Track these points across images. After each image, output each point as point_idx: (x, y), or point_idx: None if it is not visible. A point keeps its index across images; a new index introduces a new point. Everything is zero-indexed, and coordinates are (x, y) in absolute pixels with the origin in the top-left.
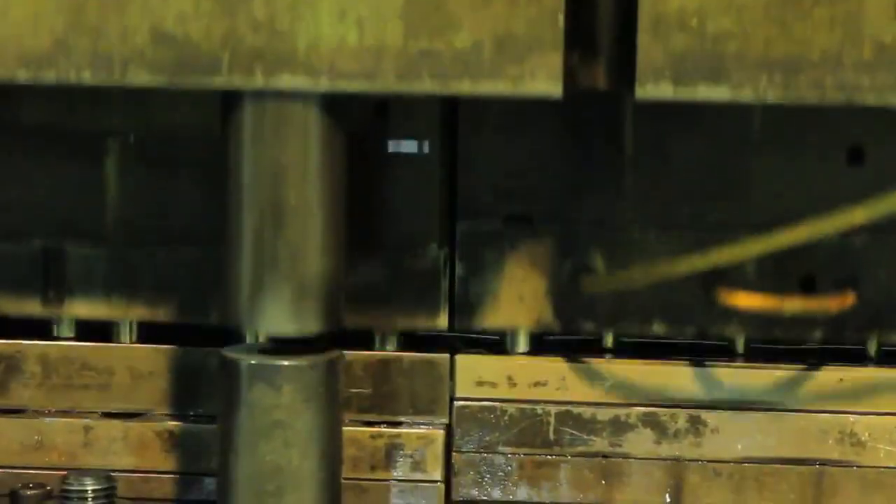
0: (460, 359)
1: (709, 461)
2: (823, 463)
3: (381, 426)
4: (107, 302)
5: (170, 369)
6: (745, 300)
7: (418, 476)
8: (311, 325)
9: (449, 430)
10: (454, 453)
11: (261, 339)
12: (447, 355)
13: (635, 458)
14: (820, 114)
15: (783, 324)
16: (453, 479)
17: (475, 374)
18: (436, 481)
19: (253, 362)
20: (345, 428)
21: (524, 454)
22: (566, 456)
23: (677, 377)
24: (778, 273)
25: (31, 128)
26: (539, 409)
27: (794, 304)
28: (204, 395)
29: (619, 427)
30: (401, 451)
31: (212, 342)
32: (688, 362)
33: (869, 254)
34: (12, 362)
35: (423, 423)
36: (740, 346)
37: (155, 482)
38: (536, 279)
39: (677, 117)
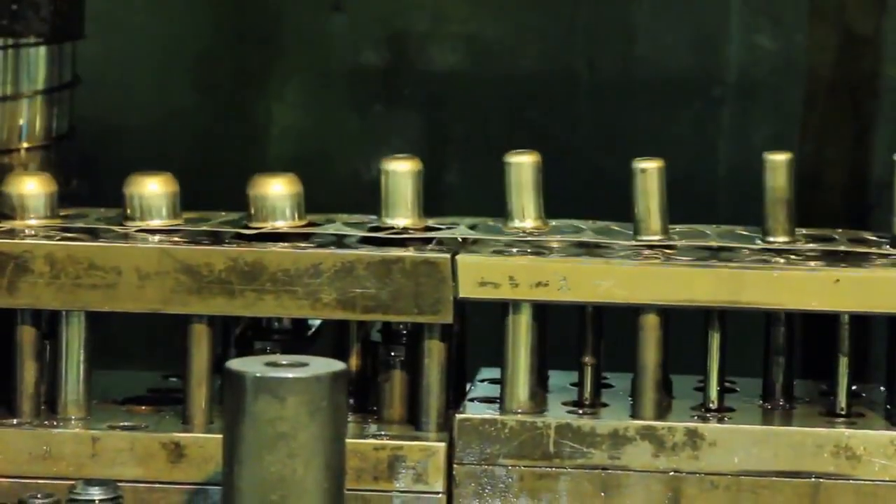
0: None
1: (706, 474)
2: (819, 476)
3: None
4: None
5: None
6: None
7: (420, 487)
8: None
9: (451, 442)
10: (455, 465)
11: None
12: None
13: (634, 471)
14: None
15: None
16: (454, 491)
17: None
18: (437, 493)
19: (258, 375)
20: (348, 440)
21: (524, 466)
22: (566, 468)
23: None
24: None
25: None
26: (539, 422)
27: None
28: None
29: (617, 440)
30: (403, 463)
31: None
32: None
33: None
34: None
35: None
36: None
37: (160, 492)
38: None
39: None
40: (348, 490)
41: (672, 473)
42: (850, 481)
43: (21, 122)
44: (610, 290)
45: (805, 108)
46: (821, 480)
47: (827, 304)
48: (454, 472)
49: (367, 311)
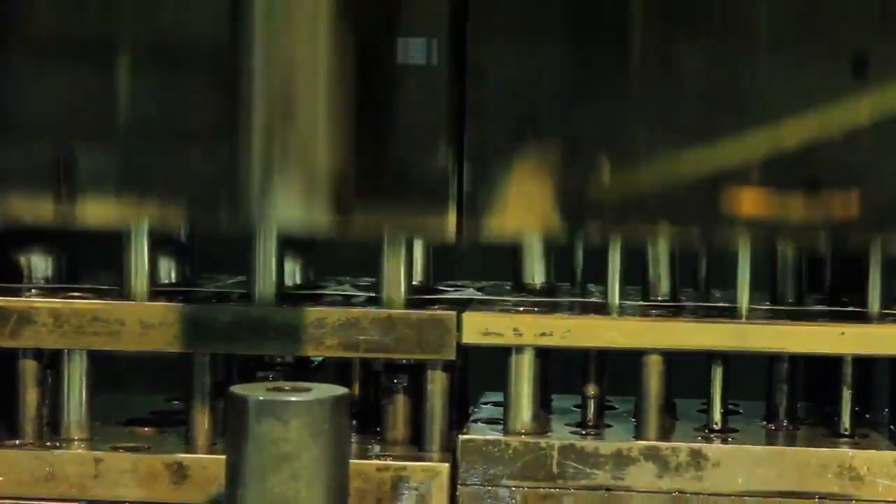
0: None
1: (710, 494)
2: (823, 496)
3: (388, 459)
4: (118, 208)
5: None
6: (750, 203)
7: None
8: (321, 216)
9: (454, 463)
10: (459, 486)
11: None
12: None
13: (637, 492)
14: (826, 19)
15: (788, 229)
16: None
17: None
18: None
19: (261, 398)
20: (351, 461)
21: (528, 487)
22: (569, 489)
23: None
24: (782, 177)
25: (44, 35)
26: (542, 442)
27: (797, 206)
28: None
29: (621, 460)
30: (406, 484)
31: None
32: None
33: (872, 157)
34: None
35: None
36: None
37: None
38: (544, 184)
39: (684, 22)
40: None
41: (676, 494)
42: (854, 502)
43: None
44: (613, 338)
45: None
46: (825, 501)
47: (832, 350)
48: (458, 493)
49: (370, 352)
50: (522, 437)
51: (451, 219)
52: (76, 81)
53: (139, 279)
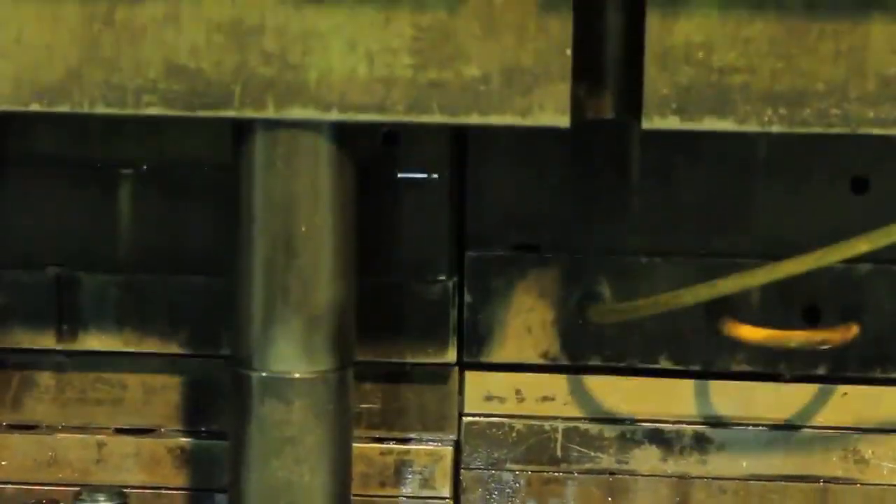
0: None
1: (714, 478)
2: (827, 480)
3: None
4: (120, 333)
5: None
6: (750, 333)
7: (427, 493)
8: (322, 362)
9: (457, 447)
10: (462, 470)
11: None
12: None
13: (641, 475)
14: (825, 143)
15: (788, 356)
16: (461, 496)
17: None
18: (444, 498)
19: (263, 375)
20: (355, 444)
21: (532, 471)
22: (573, 473)
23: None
24: (782, 302)
25: (45, 157)
26: (546, 425)
27: (798, 338)
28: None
29: (625, 444)
30: (410, 468)
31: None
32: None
33: (873, 284)
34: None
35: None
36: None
37: (166, 498)
38: (544, 309)
39: (683, 146)
40: (355, 495)
41: (680, 478)
42: (859, 486)
43: None
44: (616, 405)
45: None
46: (829, 485)
47: None
48: (461, 477)
49: None
50: (526, 420)
51: (452, 352)
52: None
53: None
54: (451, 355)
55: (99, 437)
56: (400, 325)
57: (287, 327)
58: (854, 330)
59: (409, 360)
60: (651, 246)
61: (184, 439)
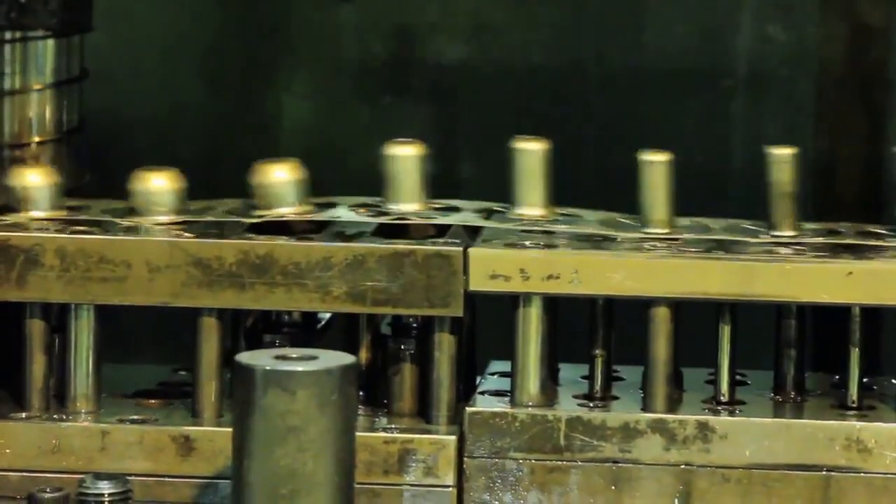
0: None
1: (717, 467)
2: (830, 469)
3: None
4: None
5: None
6: None
7: (430, 481)
8: None
9: (461, 436)
10: (466, 459)
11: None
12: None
13: (645, 465)
14: None
15: None
16: (465, 485)
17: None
18: (448, 486)
19: (267, 368)
20: (358, 434)
21: (535, 460)
22: (576, 461)
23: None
24: None
25: None
26: (550, 416)
27: None
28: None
29: (628, 433)
30: (413, 457)
31: None
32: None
33: None
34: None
35: None
36: None
37: (170, 486)
38: None
39: None
40: (358, 484)
41: (683, 467)
42: (862, 474)
43: (31, 115)
44: (621, 283)
45: (817, 101)
46: (832, 473)
47: (839, 297)
48: (465, 466)
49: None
50: (530, 409)
51: None
52: None
53: None
54: None
55: (103, 425)
56: None
57: None
58: None
59: None
60: None
61: (187, 428)
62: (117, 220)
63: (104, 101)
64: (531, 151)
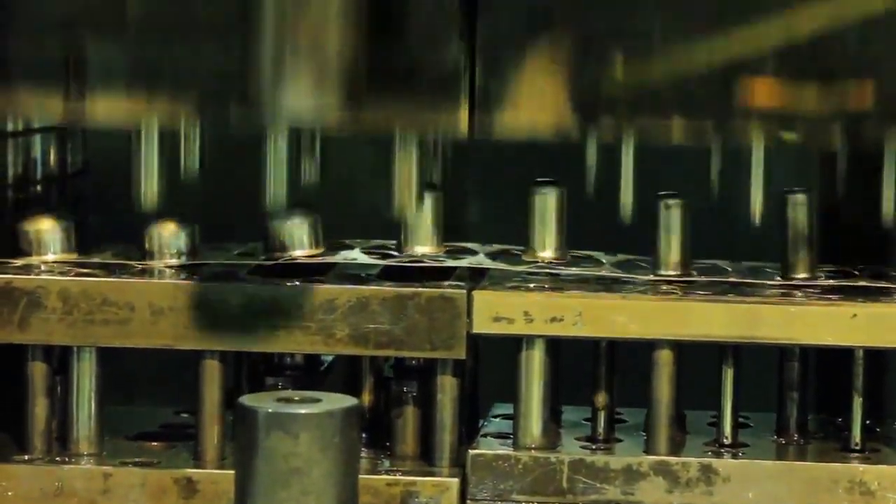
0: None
1: None
2: None
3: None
4: (127, 100)
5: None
6: (764, 93)
7: None
8: (332, 108)
9: (464, 478)
10: (469, 501)
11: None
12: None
13: None
14: None
15: (800, 120)
16: None
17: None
18: None
19: (270, 410)
20: (361, 476)
21: (538, 502)
22: None
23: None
24: (796, 67)
25: None
26: (553, 458)
27: (811, 96)
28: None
29: (631, 476)
30: (416, 499)
31: None
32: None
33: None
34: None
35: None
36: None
37: None
38: (557, 79)
39: None
40: None
41: None
42: None
43: (35, 156)
44: (625, 326)
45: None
46: None
47: (843, 340)
48: None
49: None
50: (532, 451)
51: (464, 114)
52: None
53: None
54: (463, 122)
55: (105, 467)
56: (412, 94)
57: (297, 74)
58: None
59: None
60: (664, 14)
61: (190, 470)
62: (128, 263)
63: (108, 143)
64: (545, 195)
